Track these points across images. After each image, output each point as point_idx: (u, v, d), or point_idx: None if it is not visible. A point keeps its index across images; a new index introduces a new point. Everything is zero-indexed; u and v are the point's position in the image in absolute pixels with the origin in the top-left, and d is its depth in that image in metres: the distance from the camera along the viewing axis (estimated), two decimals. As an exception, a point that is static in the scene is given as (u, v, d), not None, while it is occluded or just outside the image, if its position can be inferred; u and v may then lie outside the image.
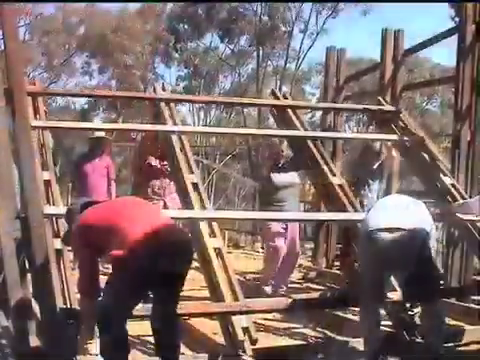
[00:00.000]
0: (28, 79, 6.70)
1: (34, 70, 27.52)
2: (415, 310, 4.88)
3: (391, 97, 8.01)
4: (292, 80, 30.54)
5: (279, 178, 7.20)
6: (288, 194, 7.19)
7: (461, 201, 6.02)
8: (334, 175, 6.57)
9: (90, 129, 8.21)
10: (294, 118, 7.16)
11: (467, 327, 5.21)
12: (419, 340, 4.73)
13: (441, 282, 5.17)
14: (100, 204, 4.05)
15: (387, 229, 4.25)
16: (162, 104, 6.71)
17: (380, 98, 7.76)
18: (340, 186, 6.45)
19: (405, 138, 7.03)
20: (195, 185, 5.90)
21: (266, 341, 4.99)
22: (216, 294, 4.98)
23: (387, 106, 7.54)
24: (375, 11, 40.54)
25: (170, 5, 31.07)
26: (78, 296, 4.13)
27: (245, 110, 29.46)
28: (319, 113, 27.26)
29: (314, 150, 6.79)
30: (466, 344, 4.96)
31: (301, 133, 6.95)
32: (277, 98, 7.61)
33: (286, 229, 7.14)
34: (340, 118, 9.34)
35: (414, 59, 25.18)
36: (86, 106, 32.49)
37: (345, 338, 4.93)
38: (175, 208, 6.93)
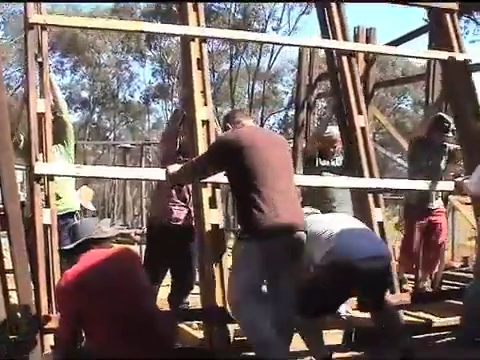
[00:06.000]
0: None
1: (6, 69, 27.12)
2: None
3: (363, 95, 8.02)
4: (265, 78, 30.62)
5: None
6: (342, 196, 5.64)
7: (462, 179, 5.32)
8: (360, 113, 5.41)
9: (92, 29, 6.67)
10: (337, 20, 5.62)
11: (436, 319, 5.12)
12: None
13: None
14: (96, 259, 3.45)
15: (373, 258, 4.01)
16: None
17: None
18: (362, 130, 5.35)
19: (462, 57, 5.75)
20: (205, 124, 4.84)
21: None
22: (206, 292, 4.55)
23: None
24: (348, 9, 40.66)
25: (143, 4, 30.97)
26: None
27: (218, 108, 29.44)
28: (292, 112, 27.27)
29: (346, 70, 5.50)
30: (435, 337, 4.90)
31: (333, 44, 5.61)
32: None
33: None
34: (313, 116, 9.31)
35: (386, 57, 25.36)
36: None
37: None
38: None
